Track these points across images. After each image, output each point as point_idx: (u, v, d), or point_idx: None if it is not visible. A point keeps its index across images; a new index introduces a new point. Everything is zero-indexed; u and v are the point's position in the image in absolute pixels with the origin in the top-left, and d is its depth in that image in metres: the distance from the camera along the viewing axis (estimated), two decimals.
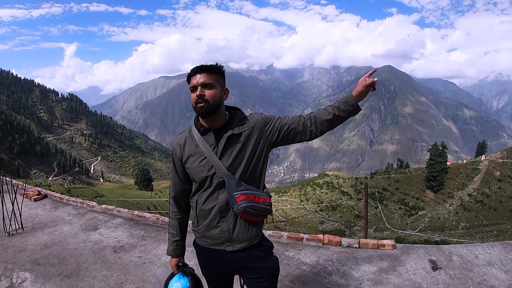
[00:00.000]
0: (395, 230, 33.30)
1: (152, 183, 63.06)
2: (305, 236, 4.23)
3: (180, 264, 2.15)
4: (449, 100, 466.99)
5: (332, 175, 66.20)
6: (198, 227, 2.01)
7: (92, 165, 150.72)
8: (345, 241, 4.12)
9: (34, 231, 4.86)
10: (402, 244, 4.17)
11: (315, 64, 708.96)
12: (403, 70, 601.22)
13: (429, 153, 61.29)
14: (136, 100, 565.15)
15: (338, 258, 3.83)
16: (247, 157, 1.87)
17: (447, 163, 60.04)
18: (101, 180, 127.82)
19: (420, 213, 51.16)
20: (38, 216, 5.51)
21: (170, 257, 2.15)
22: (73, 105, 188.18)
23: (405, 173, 64.44)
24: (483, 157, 64.20)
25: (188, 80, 1.84)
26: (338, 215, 49.46)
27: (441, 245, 4.12)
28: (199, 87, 1.79)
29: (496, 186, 53.28)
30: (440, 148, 58.13)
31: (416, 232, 39.78)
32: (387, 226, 40.03)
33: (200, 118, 1.90)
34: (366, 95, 1.97)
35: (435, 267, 3.57)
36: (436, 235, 35.09)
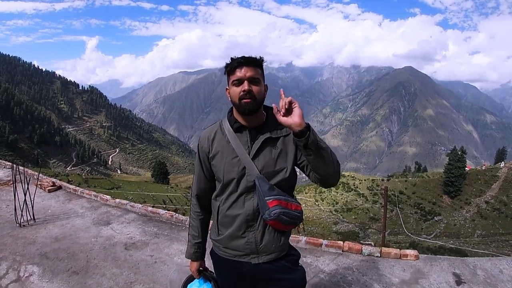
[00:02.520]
0: (409, 234, 32.84)
1: (169, 176, 63.42)
2: (324, 242, 4.05)
3: (201, 268, 1.97)
4: (470, 104, 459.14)
5: (348, 175, 65.66)
6: (219, 236, 1.81)
7: (110, 156, 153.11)
8: (366, 249, 3.93)
9: (46, 223, 4.80)
10: (425, 255, 3.97)
11: (335, 63, 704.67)
12: (424, 71, 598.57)
13: (448, 157, 60.38)
14: (155, 94, 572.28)
15: (358, 267, 3.65)
16: (282, 164, 1.69)
17: (466, 168, 59.02)
18: (119, 172, 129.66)
19: (436, 218, 50.42)
20: (51, 208, 5.46)
21: (188, 259, 1.97)
22: (93, 98, 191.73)
23: (423, 177, 63.57)
24: (502, 164, 62.67)
25: (231, 72, 1.63)
26: (353, 217, 49.08)
27: (465, 258, 3.95)
28: (246, 81, 1.59)
29: None
30: (460, 153, 57.16)
31: (431, 238, 39.21)
32: (402, 230, 39.59)
33: (237, 114, 1.71)
34: (291, 122, 1.48)
35: (458, 281, 3.38)
36: (451, 241, 34.61)
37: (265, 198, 1.62)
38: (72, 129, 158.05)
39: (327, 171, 1.59)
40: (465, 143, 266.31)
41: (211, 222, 1.94)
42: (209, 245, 1.93)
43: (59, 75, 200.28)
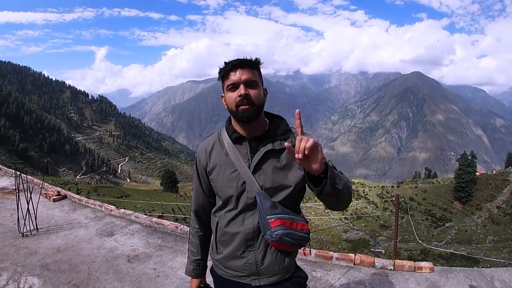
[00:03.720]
0: (420, 242, 32.46)
1: (178, 185, 63.51)
2: (335, 255, 3.89)
3: (201, 285, 1.81)
4: (479, 108, 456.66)
5: (358, 182, 65.08)
6: (218, 255, 1.63)
7: (120, 165, 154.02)
8: (378, 262, 3.77)
9: (49, 233, 4.74)
10: (440, 267, 3.81)
11: (343, 69, 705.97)
12: (432, 76, 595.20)
13: (458, 162, 59.89)
14: (164, 103, 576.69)
15: (371, 282, 3.48)
16: (286, 179, 1.48)
17: (476, 173, 58.38)
18: (128, 180, 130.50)
19: (447, 224, 49.82)
20: (55, 218, 5.41)
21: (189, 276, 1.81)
22: (103, 107, 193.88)
23: (433, 183, 62.98)
24: None
25: (225, 76, 1.47)
26: (363, 224, 48.57)
27: (482, 269, 3.78)
28: (241, 85, 1.42)
29: None
30: (470, 157, 56.77)
31: (442, 245, 38.75)
32: (412, 238, 39.13)
33: (235, 123, 1.54)
34: (311, 165, 1.22)
35: None
36: (463, 248, 34.11)
37: (267, 216, 1.43)
38: (81, 138, 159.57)
39: (338, 207, 1.46)
40: (475, 147, 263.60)
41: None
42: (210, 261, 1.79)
43: (69, 85, 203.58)
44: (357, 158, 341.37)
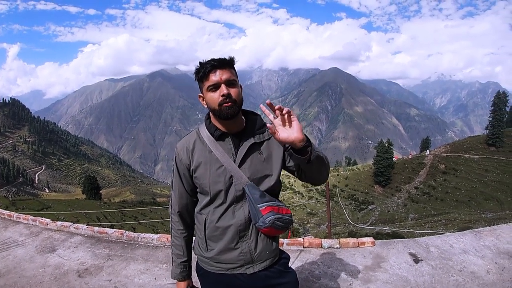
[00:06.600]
0: (351, 223, 34.26)
1: (101, 191, 60.83)
2: (285, 241, 4.11)
3: (189, 287, 1.83)
4: (394, 99, 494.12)
5: (283, 174, 66.91)
6: (208, 252, 1.69)
7: (37, 174, 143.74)
8: (325, 242, 4.05)
9: None
10: (380, 240, 4.19)
11: (264, 66, 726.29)
12: (349, 72, 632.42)
13: (376, 150, 64.00)
14: (81, 104, 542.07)
15: (322, 261, 3.73)
16: (269, 169, 1.64)
17: (393, 159, 62.93)
18: (47, 191, 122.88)
19: (370, 207, 53.08)
20: None
21: (174, 280, 1.82)
22: (15, 111, 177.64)
23: (354, 170, 66.95)
24: (427, 152, 67.85)
25: (204, 77, 1.54)
26: (292, 214, 50.15)
27: (417, 238, 4.21)
28: (223, 85, 1.51)
29: (441, 179, 56.46)
30: (386, 145, 61.02)
31: (368, 225, 41.05)
32: (338, 222, 41.23)
33: (215, 121, 1.62)
34: (293, 139, 1.41)
35: (416, 259, 3.63)
36: (387, 227, 36.37)
37: (258, 205, 1.56)
38: None
39: (323, 176, 1.64)
40: (392, 135, 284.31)
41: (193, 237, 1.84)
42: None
43: None
44: None
